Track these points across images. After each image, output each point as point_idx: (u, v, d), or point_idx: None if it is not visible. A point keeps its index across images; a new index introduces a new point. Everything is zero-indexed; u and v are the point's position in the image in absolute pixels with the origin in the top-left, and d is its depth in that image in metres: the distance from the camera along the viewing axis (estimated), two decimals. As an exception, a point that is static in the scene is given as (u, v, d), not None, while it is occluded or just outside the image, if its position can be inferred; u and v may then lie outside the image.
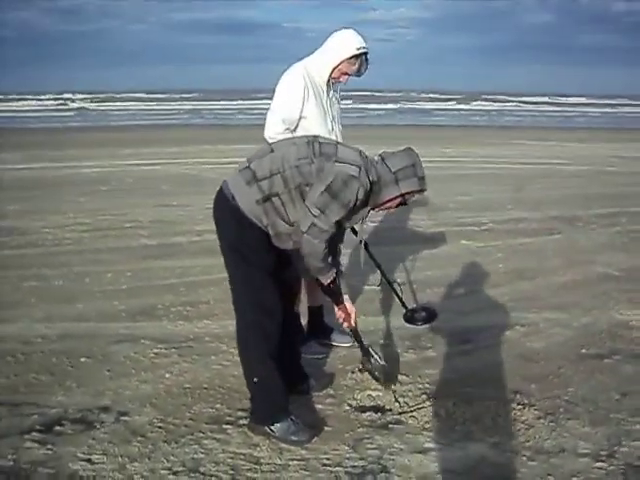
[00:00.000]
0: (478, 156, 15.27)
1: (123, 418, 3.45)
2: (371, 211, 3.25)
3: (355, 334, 3.63)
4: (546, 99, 49.67)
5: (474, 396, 3.68)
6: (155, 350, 4.34)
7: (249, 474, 2.96)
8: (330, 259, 3.21)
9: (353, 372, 3.98)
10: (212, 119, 31.47)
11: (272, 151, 3.12)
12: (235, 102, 42.18)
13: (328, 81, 3.93)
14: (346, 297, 3.45)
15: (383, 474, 2.96)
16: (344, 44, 3.83)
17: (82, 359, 4.20)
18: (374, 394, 3.75)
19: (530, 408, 3.55)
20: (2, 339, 4.51)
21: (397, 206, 3.23)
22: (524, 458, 3.09)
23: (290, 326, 3.51)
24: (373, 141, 16.47)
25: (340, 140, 4.06)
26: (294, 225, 3.05)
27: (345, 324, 3.53)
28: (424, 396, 3.69)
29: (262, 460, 3.07)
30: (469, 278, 5.92)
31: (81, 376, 3.97)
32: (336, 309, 3.48)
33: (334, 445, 3.19)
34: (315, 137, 3.19)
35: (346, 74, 3.92)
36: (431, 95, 53.95)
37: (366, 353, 3.71)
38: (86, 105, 41.76)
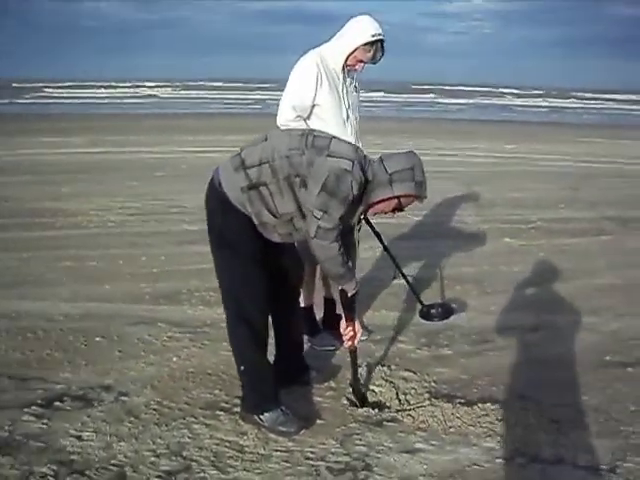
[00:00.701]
0: (540, 153, 14.79)
1: (122, 398, 3.49)
2: (365, 212, 3.16)
3: (353, 357, 3.45)
4: (633, 97, 47.25)
5: (478, 398, 3.55)
6: (169, 334, 4.38)
7: (229, 461, 2.93)
8: (350, 264, 3.13)
9: (360, 367, 3.89)
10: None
11: (265, 140, 3.08)
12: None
13: (343, 68, 3.86)
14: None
15: (364, 472, 2.88)
16: (359, 30, 3.75)
17: (97, 338, 4.28)
18: (377, 390, 3.69)
19: (534, 414, 3.38)
20: (26, 316, 4.65)
21: (393, 211, 3.11)
22: (517, 466, 2.95)
23: (287, 315, 3.47)
24: (444, 135, 16.27)
25: (356, 129, 4.00)
26: (279, 217, 3.01)
27: (349, 343, 3.37)
28: (427, 395, 3.59)
29: (246, 449, 3.04)
30: (503, 277, 5.75)
31: (92, 355, 4.04)
32: (343, 324, 3.32)
33: (322, 439, 3.13)
34: (311, 130, 3.15)
35: (361, 61, 3.83)
36: (506, 90, 52.70)
37: (356, 379, 3.53)
38: (155, 92, 42.79)
